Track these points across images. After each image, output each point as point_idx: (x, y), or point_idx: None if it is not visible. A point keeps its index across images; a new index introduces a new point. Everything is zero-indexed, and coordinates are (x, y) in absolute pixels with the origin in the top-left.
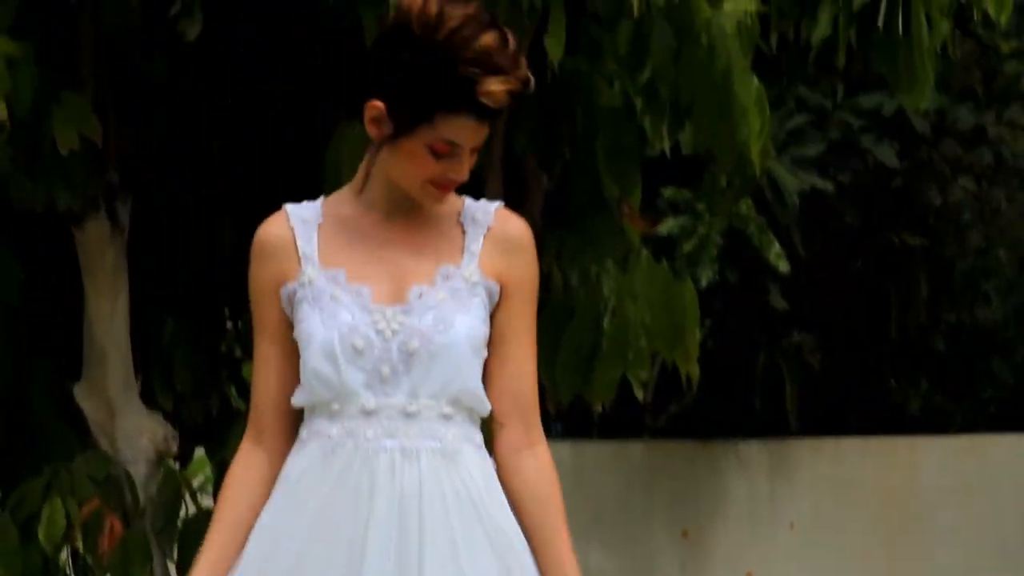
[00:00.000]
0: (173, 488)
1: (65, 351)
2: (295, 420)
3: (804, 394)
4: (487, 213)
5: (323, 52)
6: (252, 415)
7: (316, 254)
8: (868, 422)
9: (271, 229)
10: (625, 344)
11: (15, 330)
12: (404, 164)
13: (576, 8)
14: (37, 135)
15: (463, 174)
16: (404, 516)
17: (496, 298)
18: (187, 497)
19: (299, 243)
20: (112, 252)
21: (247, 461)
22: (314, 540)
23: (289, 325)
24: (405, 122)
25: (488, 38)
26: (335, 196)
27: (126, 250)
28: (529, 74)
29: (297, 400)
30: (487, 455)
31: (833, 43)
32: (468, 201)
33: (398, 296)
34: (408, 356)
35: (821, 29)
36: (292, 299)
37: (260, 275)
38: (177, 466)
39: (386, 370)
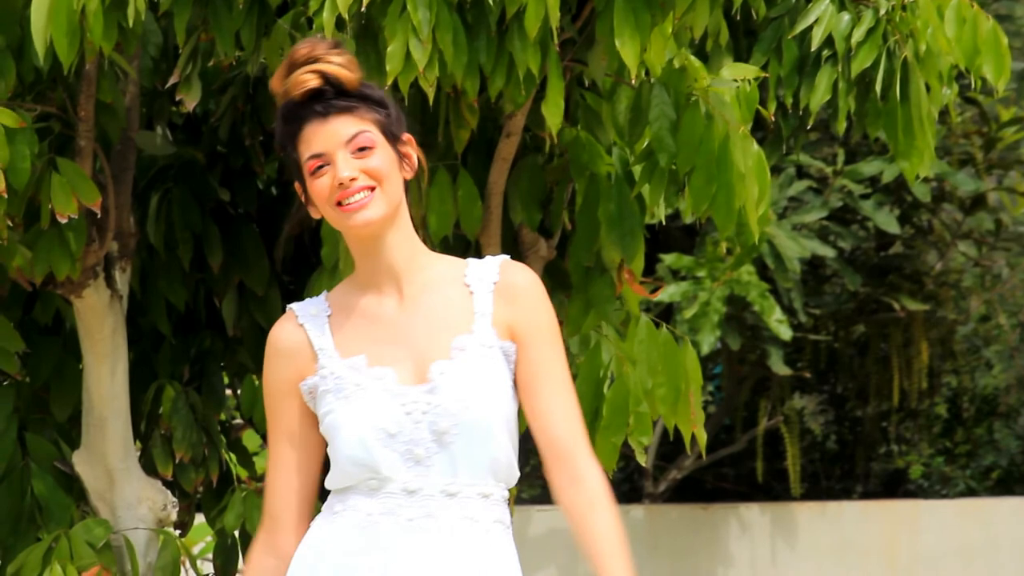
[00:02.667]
0: (173, 555)
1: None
2: (307, 513)
3: (806, 458)
4: (491, 268)
5: None
6: (266, 510)
7: (332, 346)
8: (870, 487)
9: (282, 332)
10: (626, 410)
11: (15, 399)
12: (317, 209)
13: (574, 77)
14: (35, 205)
15: (346, 170)
16: None
17: (514, 355)
18: (187, 564)
19: (312, 339)
20: (111, 320)
21: (263, 549)
22: None
23: (310, 422)
24: (292, 173)
25: (296, 49)
26: (339, 287)
27: (125, 317)
28: (345, 59)
29: (331, 483)
30: (511, 535)
31: (833, 109)
32: (472, 261)
33: (420, 376)
34: (440, 435)
35: (820, 95)
36: (315, 393)
37: (275, 377)
38: (177, 533)
39: (420, 451)
